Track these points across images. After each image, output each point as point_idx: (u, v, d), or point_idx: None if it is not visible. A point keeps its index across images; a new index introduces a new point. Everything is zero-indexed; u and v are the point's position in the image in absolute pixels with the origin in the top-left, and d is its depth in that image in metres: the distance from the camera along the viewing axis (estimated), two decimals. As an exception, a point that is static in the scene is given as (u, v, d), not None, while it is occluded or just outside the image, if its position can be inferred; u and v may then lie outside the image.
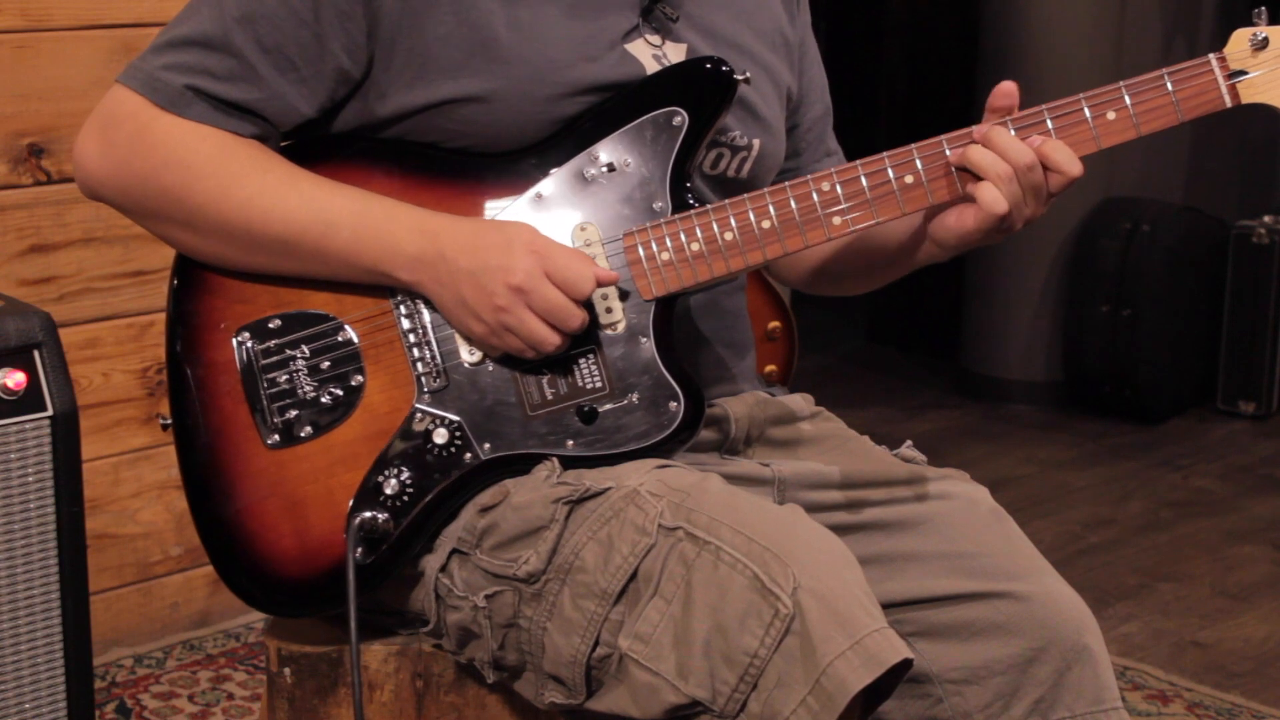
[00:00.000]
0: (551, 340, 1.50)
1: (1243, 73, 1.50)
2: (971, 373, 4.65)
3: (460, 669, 1.60)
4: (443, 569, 1.54)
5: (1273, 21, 1.50)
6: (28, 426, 1.89)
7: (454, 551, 1.53)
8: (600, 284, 1.51)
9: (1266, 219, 4.38)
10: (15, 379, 1.87)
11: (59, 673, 1.94)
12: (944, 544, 1.59)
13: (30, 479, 1.89)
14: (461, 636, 1.55)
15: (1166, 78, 1.50)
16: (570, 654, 1.44)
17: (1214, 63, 1.50)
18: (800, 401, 1.76)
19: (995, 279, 4.54)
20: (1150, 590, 3.32)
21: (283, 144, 1.60)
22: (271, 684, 1.65)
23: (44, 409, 1.90)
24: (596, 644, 1.43)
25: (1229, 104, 1.50)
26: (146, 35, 2.67)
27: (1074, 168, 1.49)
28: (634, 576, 1.41)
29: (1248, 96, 1.50)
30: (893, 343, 5.13)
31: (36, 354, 1.90)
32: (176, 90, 1.53)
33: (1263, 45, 1.49)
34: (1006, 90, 1.52)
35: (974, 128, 1.53)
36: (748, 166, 1.67)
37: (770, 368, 2.89)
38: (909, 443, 1.72)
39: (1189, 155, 4.68)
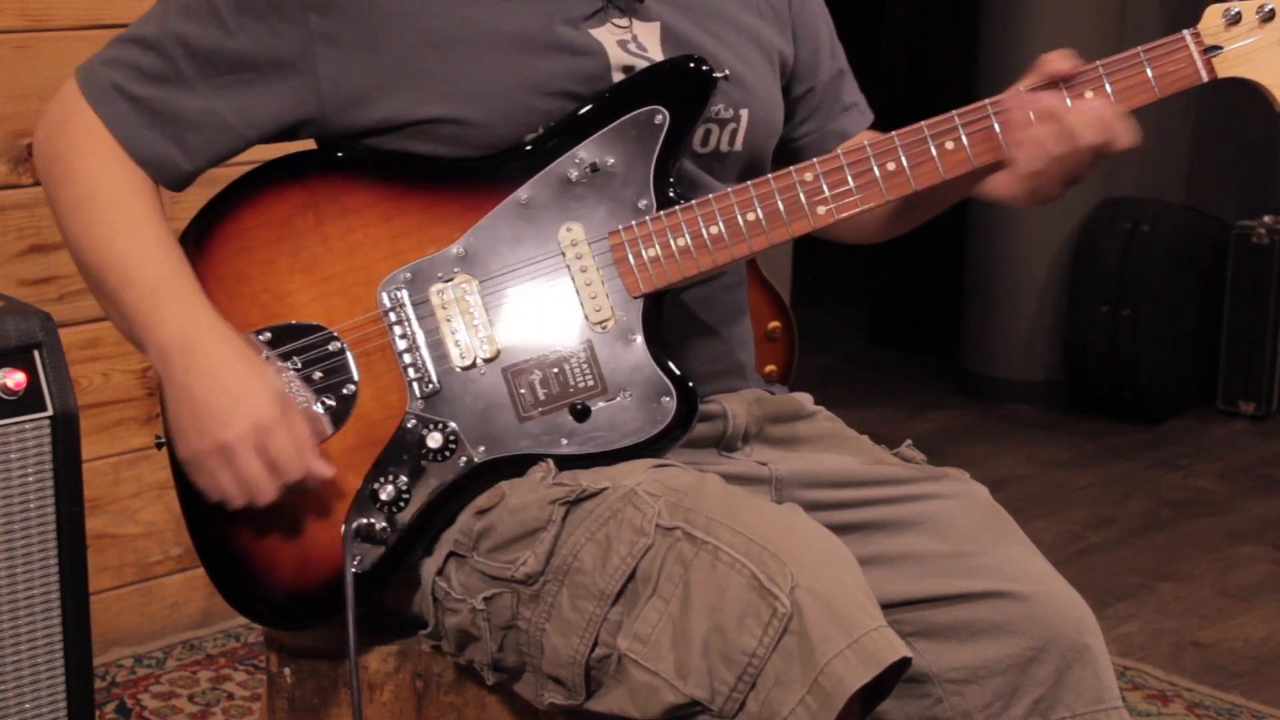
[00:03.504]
0: (234, 501, 1.51)
1: (1218, 48, 1.51)
2: (971, 373, 4.64)
3: (460, 669, 1.60)
4: (439, 572, 1.54)
5: None
6: (28, 426, 1.89)
7: (451, 554, 1.53)
8: (310, 477, 1.51)
9: (1266, 219, 4.38)
10: (15, 379, 1.87)
11: (59, 673, 1.94)
12: (943, 543, 1.58)
13: (30, 479, 1.89)
14: (460, 639, 1.55)
15: (1142, 55, 1.51)
16: (569, 655, 1.44)
17: (1189, 39, 1.51)
18: (800, 400, 1.76)
19: (995, 279, 4.54)
20: (1150, 590, 3.32)
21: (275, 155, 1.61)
22: (271, 684, 1.65)
23: (44, 409, 1.90)
24: (595, 644, 1.43)
25: (1205, 78, 1.52)
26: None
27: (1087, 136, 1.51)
28: (632, 577, 1.41)
29: (1224, 70, 1.52)
30: (893, 343, 5.12)
31: (36, 354, 1.90)
32: (101, 85, 1.57)
33: (1235, 19, 1.51)
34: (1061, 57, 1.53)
35: (956, 113, 1.55)
36: (740, 138, 1.65)
37: (770, 368, 2.89)
38: (908, 442, 1.72)
39: (1189, 155, 4.68)
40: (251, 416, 1.48)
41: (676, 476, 1.47)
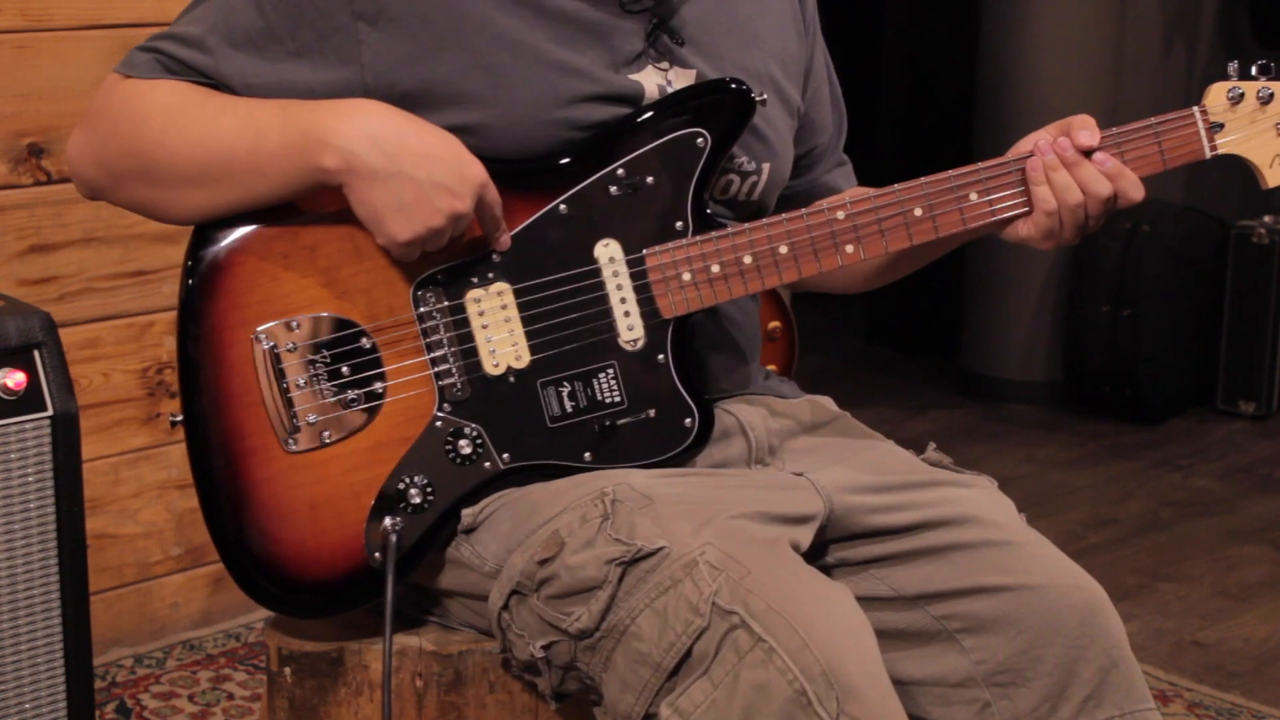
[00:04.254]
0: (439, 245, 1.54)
1: (1220, 125, 1.60)
2: (971, 373, 4.65)
3: (459, 670, 1.61)
4: (504, 607, 1.54)
5: (1244, 74, 1.61)
6: (28, 426, 1.89)
7: (514, 592, 1.53)
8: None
9: (1266, 219, 4.38)
10: (15, 379, 1.87)
11: (59, 673, 1.94)
12: (990, 534, 1.58)
13: (30, 479, 1.89)
14: (525, 667, 1.56)
15: (1155, 128, 1.59)
16: (626, 710, 1.44)
17: (1198, 115, 1.60)
18: (821, 404, 1.77)
19: (995, 279, 4.54)
20: (1150, 590, 3.33)
21: None
22: (271, 683, 1.65)
23: (44, 409, 1.90)
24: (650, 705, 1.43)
25: (1208, 155, 1.61)
26: (146, 35, 2.66)
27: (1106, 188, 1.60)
28: (688, 655, 1.40)
29: (1223, 147, 1.61)
30: (893, 343, 5.13)
31: (36, 354, 1.90)
32: (144, 61, 1.58)
33: (1239, 100, 1.60)
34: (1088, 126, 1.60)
35: (982, 165, 1.59)
36: (758, 190, 1.69)
37: (770, 368, 2.89)
38: (933, 445, 1.73)
39: (1189, 155, 4.67)
40: (476, 179, 1.51)
41: (745, 546, 1.44)
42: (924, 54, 5.13)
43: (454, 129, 1.54)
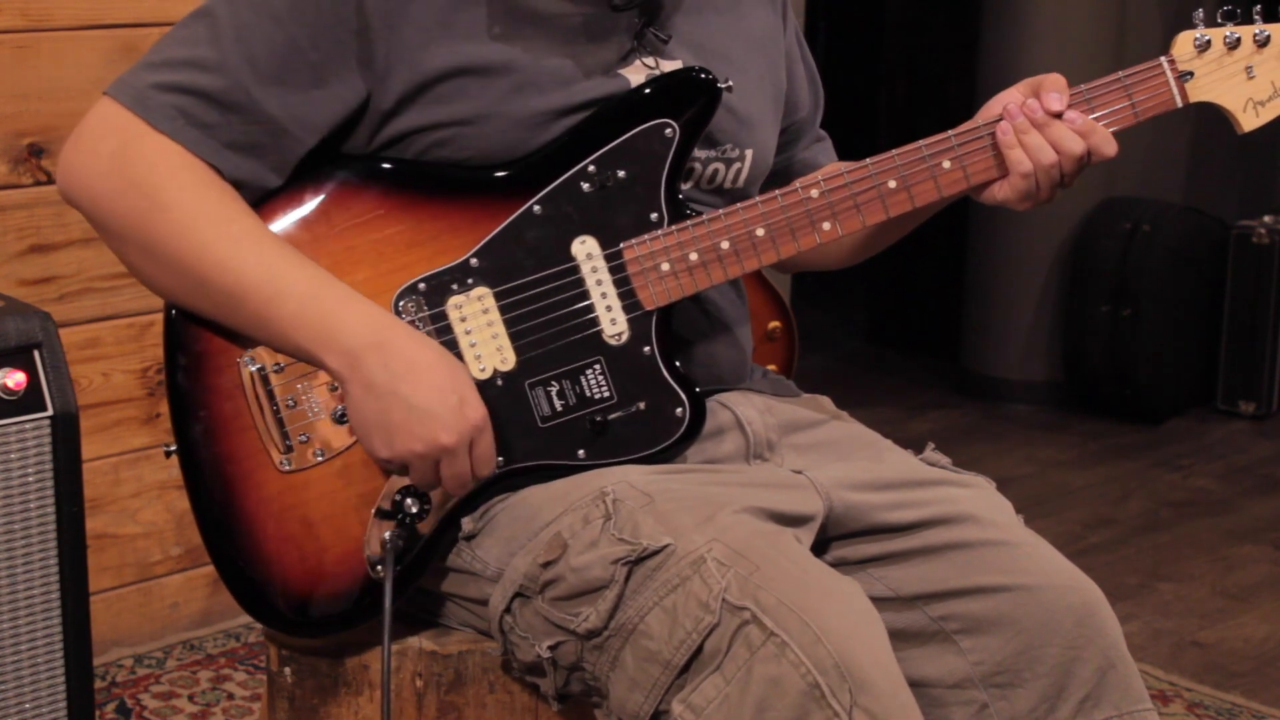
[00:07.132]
0: (435, 494, 1.53)
1: (1189, 74, 1.59)
2: (971, 373, 4.64)
3: (459, 670, 1.61)
4: (507, 610, 1.54)
5: (1210, 23, 1.60)
6: (28, 426, 1.89)
7: (517, 595, 1.53)
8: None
9: (1266, 219, 4.38)
10: (15, 379, 1.87)
11: (59, 673, 1.94)
12: (987, 534, 1.59)
13: (30, 479, 1.89)
14: (528, 669, 1.56)
15: (1123, 81, 1.59)
16: (634, 708, 1.44)
17: (1165, 65, 1.59)
18: (819, 403, 1.77)
19: (995, 279, 4.54)
20: (1150, 590, 3.32)
21: None
22: (271, 684, 1.65)
23: (44, 409, 1.90)
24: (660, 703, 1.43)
25: (1179, 104, 1.60)
26: (146, 35, 2.66)
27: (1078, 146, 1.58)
28: (699, 651, 1.41)
29: (1195, 95, 1.60)
30: (893, 343, 5.12)
31: (36, 354, 1.90)
32: (161, 107, 1.51)
33: (1206, 46, 1.59)
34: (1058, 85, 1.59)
35: (953, 133, 1.59)
36: (743, 176, 1.69)
37: (770, 368, 2.89)
38: (932, 445, 1.73)
39: (1189, 155, 4.68)
40: (472, 420, 1.50)
41: (750, 540, 1.45)
42: (924, 54, 5.12)
43: (440, 127, 1.54)
